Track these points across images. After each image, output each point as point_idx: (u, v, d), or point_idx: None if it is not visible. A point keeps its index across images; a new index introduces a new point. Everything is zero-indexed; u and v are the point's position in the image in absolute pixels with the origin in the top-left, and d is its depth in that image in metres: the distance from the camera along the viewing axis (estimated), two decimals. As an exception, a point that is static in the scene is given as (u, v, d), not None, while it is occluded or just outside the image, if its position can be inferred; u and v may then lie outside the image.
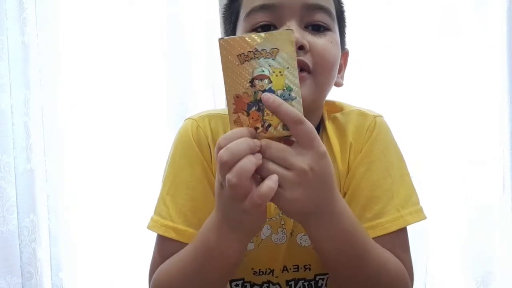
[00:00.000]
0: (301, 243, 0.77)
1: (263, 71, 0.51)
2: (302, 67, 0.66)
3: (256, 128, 0.52)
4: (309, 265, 0.79)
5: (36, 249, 1.62)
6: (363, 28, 1.67)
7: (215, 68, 1.70)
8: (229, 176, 0.52)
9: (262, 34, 0.53)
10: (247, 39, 0.52)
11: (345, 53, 0.80)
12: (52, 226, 1.66)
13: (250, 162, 0.52)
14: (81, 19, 1.70)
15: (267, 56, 0.51)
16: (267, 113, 0.52)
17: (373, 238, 0.68)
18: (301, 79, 0.62)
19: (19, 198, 1.62)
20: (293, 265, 0.79)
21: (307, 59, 0.67)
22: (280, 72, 0.51)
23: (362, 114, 0.77)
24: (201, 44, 1.71)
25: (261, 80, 0.51)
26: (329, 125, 0.77)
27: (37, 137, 1.65)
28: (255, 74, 0.51)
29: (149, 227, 0.77)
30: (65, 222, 1.68)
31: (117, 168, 1.71)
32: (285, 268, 0.79)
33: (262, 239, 0.77)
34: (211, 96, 1.71)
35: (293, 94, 0.52)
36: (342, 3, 0.76)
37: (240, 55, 0.51)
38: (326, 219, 0.59)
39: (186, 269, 0.67)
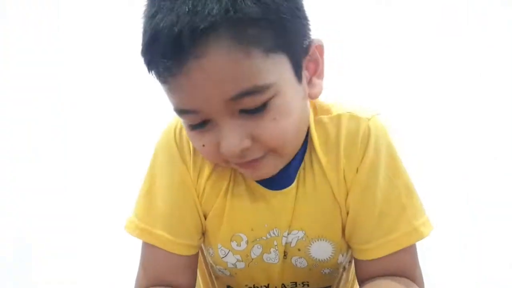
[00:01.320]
0: (296, 265, 0.72)
1: None
2: (258, 159, 0.59)
3: None
4: (307, 282, 0.74)
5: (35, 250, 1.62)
6: (367, 29, 1.68)
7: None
8: None
9: None
10: None
11: (315, 47, 0.63)
12: (51, 226, 1.66)
13: None
14: (81, 18, 1.71)
15: None
16: None
17: (383, 257, 0.64)
18: (261, 165, 0.59)
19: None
20: (291, 282, 0.74)
21: (258, 151, 0.58)
22: None
23: (354, 118, 0.65)
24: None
25: None
26: (315, 139, 0.66)
27: (38, 137, 1.64)
28: None
29: (125, 229, 0.71)
30: (65, 222, 1.68)
31: (118, 168, 1.71)
32: (283, 286, 0.74)
33: (252, 258, 0.71)
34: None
35: None
36: (281, 16, 0.55)
37: None
38: None
39: None
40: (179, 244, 0.67)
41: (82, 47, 1.71)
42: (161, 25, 0.53)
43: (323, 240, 0.68)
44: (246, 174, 0.63)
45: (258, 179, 0.64)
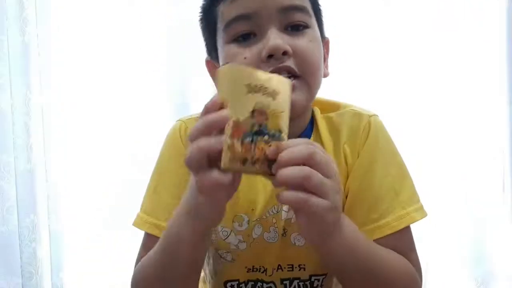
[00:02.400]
0: (295, 243, 0.76)
1: (264, 107, 0.53)
2: (289, 72, 0.67)
3: (245, 160, 0.53)
4: (304, 265, 0.78)
5: (36, 249, 1.62)
6: (364, 28, 1.68)
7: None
8: (192, 146, 0.52)
9: (269, 74, 0.56)
10: (258, 73, 0.54)
11: (326, 42, 0.79)
12: (52, 226, 1.66)
13: (215, 140, 0.51)
14: (81, 18, 1.70)
15: (269, 95, 0.54)
16: (257, 148, 0.53)
17: (380, 238, 0.69)
18: (294, 87, 0.64)
19: (19, 198, 1.62)
20: (288, 265, 0.78)
21: (292, 63, 0.67)
22: (276, 113, 0.54)
23: (357, 115, 0.76)
24: (201, 43, 1.70)
25: (260, 114, 0.54)
26: (322, 125, 0.76)
27: (37, 137, 1.65)
28: (257, 107, 0.53)
29: (134, 224, 0.78)
30: (66, 222, 1.68)
31: (118, 168, 1.71)
32: (279, 267, 0.78)
33: (253, 238, 0.76)
34: (211, 95, 1.71)
35: (282, 135, 0.55)
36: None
37: (249, 84, 0.53)
38: (340, 230, 0.60)
39: (156, 260, 0.68)
40: None
41: (83, 46, 1.70)
42: None
43: None
44: None
45: None
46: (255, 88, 0.53)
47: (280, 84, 0.55)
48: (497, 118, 1.69)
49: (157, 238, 0.71)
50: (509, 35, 1.64)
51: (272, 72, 0.63)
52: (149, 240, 0.76)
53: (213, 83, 0.75)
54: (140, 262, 0.74)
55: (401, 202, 0.71)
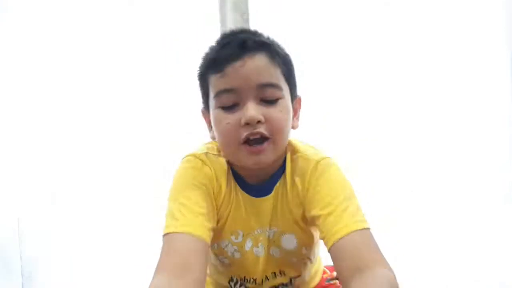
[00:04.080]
0: (273, 255, 0.97)
1: None
2: (261, 135, 0.85)
3: None
4: (284, 271, 0.98)
5: (35, 249, 1.61)
6: (367, 29, 1.68)
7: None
8: None
9: None
10: None
11: (297, 100, 0.98)
12: (52, 227, 1.65)
13: None
14: (80, 16, 1.70)
15: None
16: None
17: (343, 238, 0.83)
18: (263, 150, 0.85)
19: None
20: (271, 273, 0.98)
21: (263, 129, 0.85)
22: None
23: (305, 160, 0.94)
24: (202, 42, 1.71)
25: None
26: (288, 166, 0.95)
27: (36, 132, 1.64)
28: None
29: (168, 232, 0.85)
30: (65, 222, 1.67)
31: (118, 164, 1.70)
32: (266, 278, 0.98)
33: (246, 250, 0.96)
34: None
35: None
36: (290, 66, 0.94)
37: None
38: None
39: None
40: (205, 232, 0.86)
41: (82, 47, 1.70)
42: (231, 38, 0.90)
43: (290, 234, 0.95)
44: (249, 161, 0.87)
45: (258, 166, 0.87)
46: None
47: None
48: (500, 119, 1.71)
49: (183, 235, 0.84)
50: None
51: (247, 138, 0.84)
52: (177, 241, 0.84)
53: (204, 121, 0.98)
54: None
55: (349, 214, 0.87)
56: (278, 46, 0.93)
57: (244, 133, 0.84)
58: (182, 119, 1.66)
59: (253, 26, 1.67)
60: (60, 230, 1.68)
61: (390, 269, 0.81)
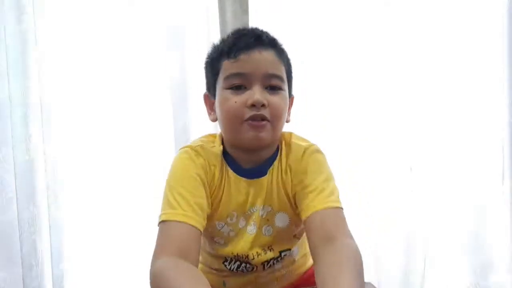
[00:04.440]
0: (265, 234, 1.05)
1: None
2: (263, 118, 0.96)
3: None
4: (271, 246, 1.06)
5: (36, 240, 1.63)
6: (367, 29, 1.66)
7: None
8: None
9: None
10: None
11: (291, 98, 1.07)
12: (52, 217, 1.66)
13: None
14: (79, 6, 1.68)
15: None
16: None
17: (318, 211, 0.94)
18: (263, 127, 0.96)
19: (19, 189, 1.62)
20: (261, 249, 1.05)
21: (266, 112, 0.96)
22: None
23: (297, 145, 1.05)
24: (202, 42, 1.70)
25: None
26: (283, 150, 1.06)
27: (35, 127, 1.64)
28: None
29: (164, 219, 0.93)
30: (65, 213, 1.68)
31: (117, 159, 1.70)
32: (257, 254, 1.05)
33: (240, 228, 1.04)
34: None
35: None
36: (290, 66, 1.07)
37: None
38: None
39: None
40: (199, 222, 0.94)
41: (82, 36, 1.68)
42: (247, 32, 1.03)
43: (283, 212, 1.04)
44: (250, 135, 0.96)
45: (256, 142, 0.97)
46: None
47: None
48: (497, 115, 1.68)
49: (182, 224, 0.91)
50: (510, 34, 1.62)
51: (250, 117, 0.95)
52: (174, 228, 0.92)
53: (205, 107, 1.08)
54: (163, 274, 0.84)
55: (325, 195, 0.98)
56: (283, 48, 1.06)
57: (249, 113, 0.95)
58: (182, 118, 1.64)
59: (252, 19, 1.64)
60: (59, 220, 1.69)
61: (355, 242, 0.90)
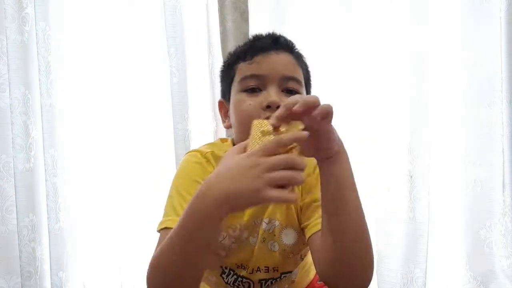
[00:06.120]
0: (271, 249, 1.00)
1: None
2: None
3: None
4: (277, 267, 1.01)
5: (36, 248, 1.62)
6: (367, 29, 1.68)
7: (215, 66, 1.71)
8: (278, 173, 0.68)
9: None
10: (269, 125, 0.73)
11: None
12: (52, 226, 1.65)
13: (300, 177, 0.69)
14: (80, 18, 1.70)
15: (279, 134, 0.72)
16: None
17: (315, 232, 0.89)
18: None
19: (19, 197, 1.62)
20: (265, 267, 1.01)
21: None
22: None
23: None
24: (203, 41, 1.72)
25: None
26: None
27: (36, 136, 1.64)
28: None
29: (168, 226, 0.88)
30: (65, 221, 1.67)
31: (117, 168, 1.71)
32: (258, 269, 1.01)
33: (242, 240, 1.00)
34: (210, 92, 1.73)
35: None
36: (309, 72, 1.06)
37: (262, 131, 0.73)
38: (341, 158, 0.83)
39: (168, 250, 0.77)
40: None
41: (82, 46, 1.70)
42: (265, 35, 1.03)
43: (290, 228, 0.99)
44: None
45: None
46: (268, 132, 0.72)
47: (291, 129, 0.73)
48: (497, 116, 1.68)
49: None
50: (509, 34, 1.64)
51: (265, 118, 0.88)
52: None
53: (218, 112, 1.09)
54: (156, 252, 0.81)
55: None
56: (301, 53, 1.04)
57: (264, 115, 0.90)
58: (183, 118, 1.65)
59: (253, 28, 1.66)
60: (59, 229, 1.68)
61: None
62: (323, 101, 0.77)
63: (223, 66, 1.07)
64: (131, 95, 1.71)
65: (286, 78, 0.95)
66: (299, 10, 1.71)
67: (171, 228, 0.83)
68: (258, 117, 0.88)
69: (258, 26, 1.68)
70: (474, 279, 1.76)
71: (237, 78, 0.98)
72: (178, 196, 0.93)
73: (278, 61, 0.96)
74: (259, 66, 0.95)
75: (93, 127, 1.71)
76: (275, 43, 0.98)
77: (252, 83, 0.95)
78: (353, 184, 0.81)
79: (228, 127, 1.02)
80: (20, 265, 1.61)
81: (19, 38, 1.62)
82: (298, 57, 1.01)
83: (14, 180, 1.61)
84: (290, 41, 1.02)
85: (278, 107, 0.86)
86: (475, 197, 1.71)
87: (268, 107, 0.91)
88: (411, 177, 1.67)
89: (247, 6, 1.68)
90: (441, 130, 1.69)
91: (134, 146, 1.72)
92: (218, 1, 1.67)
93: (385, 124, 1.68)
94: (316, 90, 1.67)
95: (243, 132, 0.92)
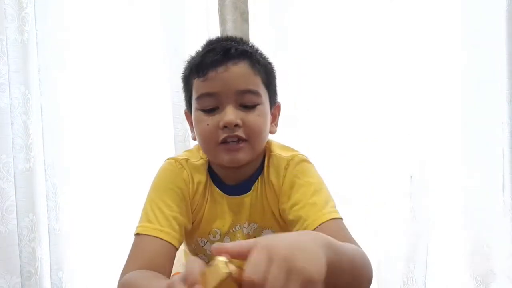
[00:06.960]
0: None
1: None
2: (239, 138, 0.91)
3: None
4: None
5: (36, 248, 1.62)
6: (367, 30, 1.68)
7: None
8: None
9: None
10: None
11: (277, 106, 1.03)
12: (52, 226, 1.65)
13: None
14: (80, 18, 1.70)
15: None
16: None
17: (317, 228, 0.87)
18: (238, 149, 0.91)
19: (19, 197, 1.62)
20: None
21: (241, 132, 0.91)
22: None
23: (279, 158, 1.00)
24: (203, 41, 1.70)
25: None
26: (266, 165, 1.01)
27: (36, 136, 1.64)
28: None
29: (140, 232, 0.92)
30: (65, 221, 1.67)
31: (117, 167, 1.71)
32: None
33: None
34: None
35: None
36: (271, 73, 1.00)
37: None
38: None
39: None
40: (175, 237, 0.93)
41: (81, 45, 1.70)
42: (216, 45, 0.96)
43: (269, 230, 1.01)
44: (226, 158, 0.92)
45: (233, 164, 0.93)
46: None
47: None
48: (497, 117, 1.69)
49: (158, 239, 0.90)
50: (509, 34, 1.64)
51: (224, 140, 0.90)
52: (147, 243, 0.91)
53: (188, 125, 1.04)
54: (129, 280, 0.84)
55: (318, 207, 0.92)
56: (260, 54, 0.99)
57: (222, 135, 0.90)
58: (183, 118, 1.65)
59: (253, 28, 1.66)
60: (59, 229, 1.68)
61: (361, 249, 0.83)
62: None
63: (182, 75, 1.02)
64: (131, 95, 1.71)
65: (241, 92, 0.92)
66: (299, 10, 1.71)
67: (142, 234, 0.90)
68: (217, 137, 0.90)
69: (258, 26, 1.68)
70: (474, 279, 1.76)
71: (194, 95, 0.95)
72: (151, 203, 0.95)
73: (230, 76, 0.91)
74: (212, 84, 0.92)
75: (93, 127, 1.71)
76: (226, 56, 0.92)
77: (207, 103, 0.92)
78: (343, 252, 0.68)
79: (194, 139, 1.00)
80: (20, 265, 1.61)
81: (19, 38, 1.62)
82: (255, 63, 0.95)
83: (14, 180, 1.61)
84: (244, 47, 0.97)
85: (236, 125, 0.90)
86: (475, 197, 1.71)
87: (225, 126, 0.90)
88: (411, 177, 1.67)
89: (247, 6, 1.68)
90: (441, 130, 1.69)
91: (134, 146, 1.72)
92: (218, 1, 1.68)
93: (385, 124, 1.69)
94: (316, 90, 1.68)
95: (206, 151, 0.96)
